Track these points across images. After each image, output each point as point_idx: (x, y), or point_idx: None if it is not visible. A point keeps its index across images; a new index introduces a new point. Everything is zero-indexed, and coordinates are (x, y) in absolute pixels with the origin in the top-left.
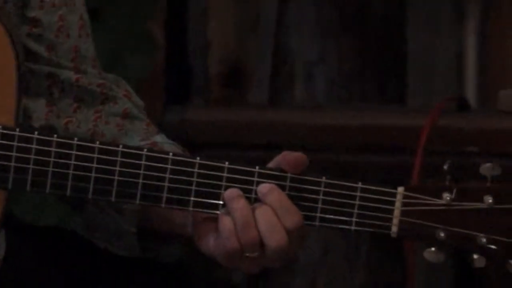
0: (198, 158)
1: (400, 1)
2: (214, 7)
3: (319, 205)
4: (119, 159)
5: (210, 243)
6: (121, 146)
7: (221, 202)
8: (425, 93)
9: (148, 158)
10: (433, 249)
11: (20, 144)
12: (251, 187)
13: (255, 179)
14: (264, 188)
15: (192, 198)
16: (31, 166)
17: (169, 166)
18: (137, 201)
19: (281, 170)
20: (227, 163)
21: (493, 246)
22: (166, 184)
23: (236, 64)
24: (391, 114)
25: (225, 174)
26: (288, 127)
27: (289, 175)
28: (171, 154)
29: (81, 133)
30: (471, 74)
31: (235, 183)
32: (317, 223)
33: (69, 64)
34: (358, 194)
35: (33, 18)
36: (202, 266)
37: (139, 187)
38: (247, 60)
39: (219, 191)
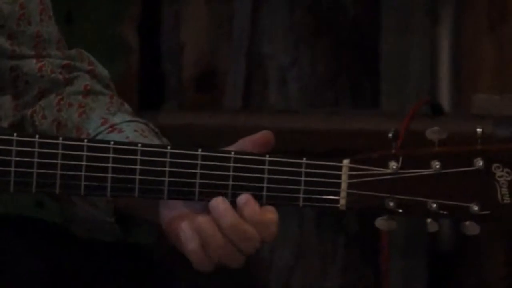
0: (139, 145)
1: (374, 5)
2: (188, 11)
3: (265, 184)
4: (85, 153)
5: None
6: (86, 140)
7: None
8: (399, 97)
9: (115, 151)
10: (384, 217)
11: None
12: (195, 170)
13: (199, 162)
14: (242, 198)
15: (166, 188)
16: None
17: (138, 157)
18: (108, 195)
19: (226, 152)
20: (169, 147)
21: (444, 211)
22: (137, 176)
23: (210, 68)
24: (364, 118)
25: (168, 159)
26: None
27: (232, 155)
28: (139, 145)
29: (46, 125)
30: (444, 78)
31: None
32: (264, 201)
33: (31, 52)
34: (303, 170)
35: None
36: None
37: (109, 180)
38: (221, 64)
39: (163, 178)
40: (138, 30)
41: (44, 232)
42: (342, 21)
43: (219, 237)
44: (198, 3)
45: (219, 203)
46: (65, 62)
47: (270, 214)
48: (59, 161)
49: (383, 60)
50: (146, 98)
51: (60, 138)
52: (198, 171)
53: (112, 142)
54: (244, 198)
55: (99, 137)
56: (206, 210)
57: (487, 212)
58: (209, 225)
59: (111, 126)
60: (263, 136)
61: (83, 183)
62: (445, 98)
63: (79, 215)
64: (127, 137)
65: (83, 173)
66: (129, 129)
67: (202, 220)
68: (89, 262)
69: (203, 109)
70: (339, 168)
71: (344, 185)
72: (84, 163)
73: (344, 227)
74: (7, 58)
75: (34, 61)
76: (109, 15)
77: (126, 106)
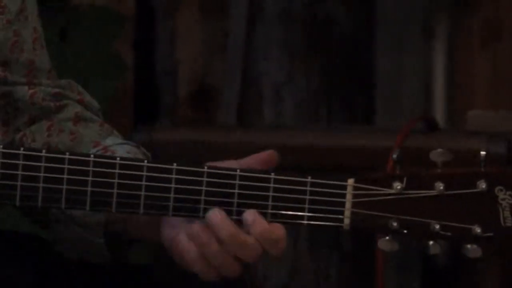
0: (145, 161)
1: (368, 21)
2: (182, 28)
3: (270, 202)
4: (66, 166)
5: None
6: (67, 153)
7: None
8: (393, 113)
9: (96, 164)
10: (387, 238)
11: None
12: (200, 187)
13: (204, 179)
14: (249, 215)
15: (142, 202)
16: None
17: (116, 171)
18: (87, 208)
19: (231, 170)
20: (175, 164)
21: (447, 232)
22: (115, 190)
23: (204, 85)
24: (359, 134)
25: (173, 176)
26: (256, 148)
27: (238, 173)
28: (118, 158)
29: (35, 147)
30: (439, 94)
31: (184, 184)
32: (268, 219)
33: (23, 79)
34: (308, 188)
35: None
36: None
37: (88, 194)
38: (215, 81)
39: (168, 195)
40: (133, 47)
41: (37, 248)
42: (336, 37)
43: (214, 245)
44: (193, 20)
45: (216, 214)
46: (55, 90)
47: (278, 230)
48: (65, 176)
49: (378, 76)
50: (141, 115)
51: (67, 153)
52: (203, 188)
53: (118, 158)
54: (251, 215)
55: None
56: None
57: (490, 234)
58: (203, 234)
59: (103, 148)
60: (268, 155)
61: (89, 198)
62: (439, 115)
63: (67, 235)
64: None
65: (89, 188)
66: (121, 151)
67: (197, 228)
68: (84, 280)
69: (198, 126)
70: (344, 188)
71: (348, 205)
72: (90, 178)
73: (339, 245)
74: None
75: (26, 88)
76: (104, 32)
77: (116, 132)
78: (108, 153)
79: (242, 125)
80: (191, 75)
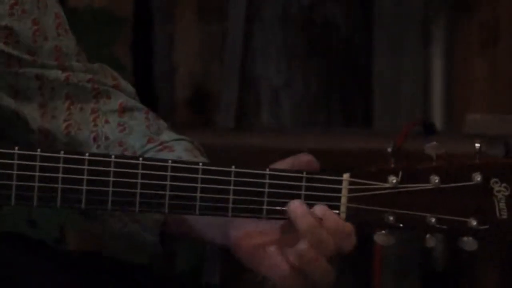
0: (170, 161)
1: (366, 25)
2: (180, 31)
3: (265, 198)
4: (112, 169)
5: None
6: (113, 156)
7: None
8: (391, 116)
9: (144, 167)
10: (383, 232)
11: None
12: (228, 186)
13: (232, 178)
14: (319, 210)
15: (198, 203)
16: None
17: (169, 173)
18: (137, 209)
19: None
20: (201, 164)
21: (442, 225)
22: (168, 192)
23: (202, 89)
24: (357, 137)
25: (200, 176)
26: (254, 151)
27: (233, 169)
28: (170, 161)
29: (82, 136)
30: (437, 97)
31: (211, 184)
32: (264, 215)
33: (54, 63)
34: (304, 184)
35: (5, 26)
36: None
37: (137, 195)
38: (213, 85)
39: (194, 194)
40: (131, 50)
41: (37, 250)
42: (334, 41)
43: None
44: (191, 24)
45: (298, 205)
46: (89, 76)
47: (349, 225)
48: (85, 177)
49: (376, 79)
50: None
51: (87, 154)
52: (231, 187)
53: (140, 158)
54: (322, 209)
55: (149, 155)
56: (272, 227)
57: (486, 227)
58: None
59: (160, 144)
60: (308, 161)
61: (110, 198)
62: (437, 118)
63: (119, 229)
64: (180, 157)
65: (110, 189)
66: (179, 148)
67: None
68: (85, 279)
69: (196, 129)
70: (339, 182)
71: (344, 199)
72: (111, 178)
73: None
74: (30, 67)
75: (59, 71)
76: (102, 35)
77: (162, 121)
78: (166, 150)
79: (240, 128)
80: (189, 78)
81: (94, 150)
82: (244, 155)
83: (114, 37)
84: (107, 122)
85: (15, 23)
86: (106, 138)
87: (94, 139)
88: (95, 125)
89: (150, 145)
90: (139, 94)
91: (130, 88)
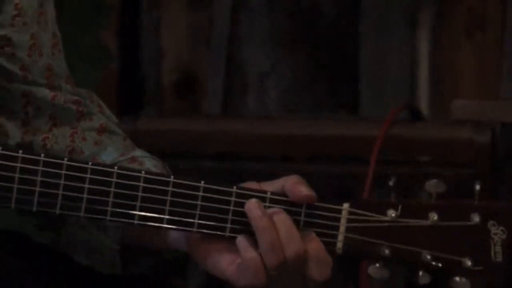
0: (172, 177)
1: (353, 10)
2: (167, 17)
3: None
4: (88, 176)
5: (221, 266)
6: (90, 163)
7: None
8: (378, 102)
9: (119, 176)
10: (377, 265)
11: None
12: (228, 207)
13: (233, 199)
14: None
15: (166, 216)
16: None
17: (141, 184)
18: (108, 218)
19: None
20: (202, 182)
21: (437, 263)
22: (138, 203)
23: (189, 74)
24: (344, 123)
25: (200, 193)
26: (241, 137)
27: (234, 190)
28: (143, 172)
29: (58, 149)
30: (424, 83)
31: (211, 203)
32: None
33: (43, 81)
34: (304, 210)
35: (4, 37)
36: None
37: (109, 204)
38: (200, 70)
39: (194, 211)
40: (118, 36)
41: (41, 251)
42: (321, 26)
43: (283, 217)
44: (178, 9)
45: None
46: (76, 98)
47: (329, 257)
48: (62, 182)
49: (363, 65)
50: (125, 104)
51: (65, 159)
52: (199, 202)
53: (143, 172)
54: (312, 234)
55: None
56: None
57: (480, 268)
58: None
59: (132, 158)
60: (309, 197)
61: (110, 208)
62: (424, 104)
63: (81, 238)
64: (149, 169)
65: (111, 199)
66: (150, 164)
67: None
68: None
69: (182, 114)
70: (339, 211)
71: (342, 229)
72: (86, 185)
73: None
74: (19, 83)
75: (47, 90)
76: (89, 21)
77: (141, 150)
78: (136, 163)
79: (227, 114)
80: (176, 64)
81: None
82: (230, 141)
83: (101, 23)
84: (84, 139)
85: (15, 34)
86: (81, 152)
87: (69, 152)
88: (72, 141)
89: (121, 158)
90: (126, 80)
91: (113, 117)
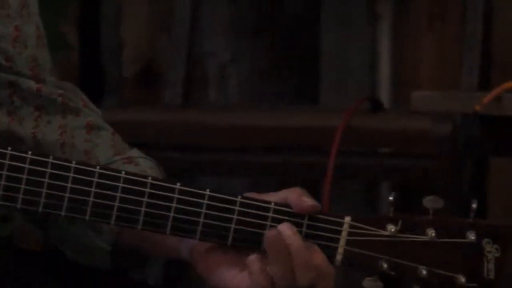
0: (178, 184)
1: (314, 1)
2: (127, 7)
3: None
4: (95, 179)
5: (226, 279)
6: (98, 167)
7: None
8: (339, 93)
9: (126, 181)
10: (373, 278)
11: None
12: (231, 215)
13: (237, 208)
14: (289, 229)
15: (170, 223)
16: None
17: (147, 190)
18: (112, 222)
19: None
20: (208, 190)
21: (433, 279)
22: (143, 208)
23: (150, 65)
24: (305, 114)
25: (205, 201)
26: (202, 127)
27: (239, 199)
28: (150, 178)
29: (49, 142)
30: (384, 74)
31: (215, 211)
32: (262, 249)
33: (28, 72)
34: (306, 222)
35: None
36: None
37: (115, 209)
38: (161, 61)
39: (198, 219)
40: (78, 27)
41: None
42: (282, 17)
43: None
44: (138, 0)
45: (289, 227)
46: (61, 91)
47: (332, 268)
48: (69, 185)
49: (324, 56)
50: (86, 95)
51: (74, 162)
52: (203, 210)
53: (150, 178)
54: (313, 245)
55: (113, 166)
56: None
57: (474, 285)
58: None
59: (127, 158)
60: (312, 207)
61: (114, 212)
62: (385, 95)
63: (74, 236)
64: (144, 171)
65: (116, 204)
66: (145, 165)
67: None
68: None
69: (143, 105)
70: (340, 224)
71: (342, 242)
72: (93, 189)
73: None
74: (4, 73)
75: (32, 82)
76: (49, 12)
77: (126, 144)
78: (132, 164)
79: (188, 105)
80: (137, 54)
81: (60, 155)
82: (191, 132)
83: (61, 13)
84: (72, 136)
85: None
86: (72, 146)
87: (61, 146)
88: (63, 137)
89: (117, 157)
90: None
91: (96, 109)
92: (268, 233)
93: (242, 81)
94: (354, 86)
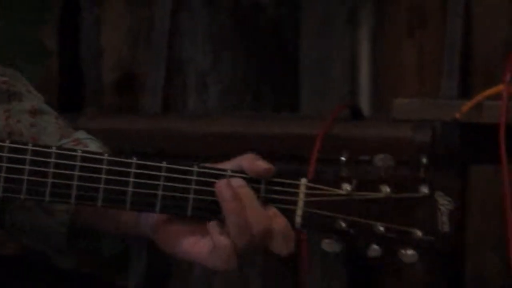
0: (135, 158)
1: (294, 8)
2: (107, 14)
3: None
4: (52, 160)
5: (186, 248)
6: (54, 148)
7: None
8: (319, 100)
9: (83, 159)
10: (331, 239)
11: None
12: (189, 186)
13: (194, 178)
14: (239, 180)
15: (129, 198)
16: None
17: (104, 167)
18: (72, 201)
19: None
20: (165, 162)
21: (390, 234)
22: (102, 185)
23: (129, 72)
24: (284, 122)
25: (163, 174)
26: (181, 135)
27: (195, 169)
28: (106, 155)
29: None
30: (364, 82)
31: (173, 182)
32: (221, 217)
33: None
34: (263, 186)
35: None
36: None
37: (74, 188)
38: (140, 68)
39: (156, 191)
40: (58, 33)
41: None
42: (262, 25)
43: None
44: (118, 7)
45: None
46: (4, 78)
47: (292, 230)
48: (27, 167)
49: (303, 64)
50: (65, 102)
51: (30, 145)
52: (192, 186)
53: (106, 154)
54: (273, 209)
55: None
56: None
57: (430, 238)
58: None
59: (75, 140)
60: (266, 170)
61: (48, 189)
62: (365, 102)
63: (28, 221)
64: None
65: (75, 183)
66: (93, 146)
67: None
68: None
69: (123, 113)
70: (297, 186)
71: (301, 203)
72: (51, 170)
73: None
74: None
75: None
76: (28, 18)
77: (81, 130)
78: (81, 146)
79: (167, 113)
80: (117, 62)
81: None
82: (170, 140)
83: (41, 20)
84: (19, 121)
85: None
86: (21, 134)
87: (9, 133)
88: (8, 124)
89: (64, 140)
90: (66, 78)
91: (40, 96)
92: (218, 182)
93: (222, 89)
94: (334, 93)
